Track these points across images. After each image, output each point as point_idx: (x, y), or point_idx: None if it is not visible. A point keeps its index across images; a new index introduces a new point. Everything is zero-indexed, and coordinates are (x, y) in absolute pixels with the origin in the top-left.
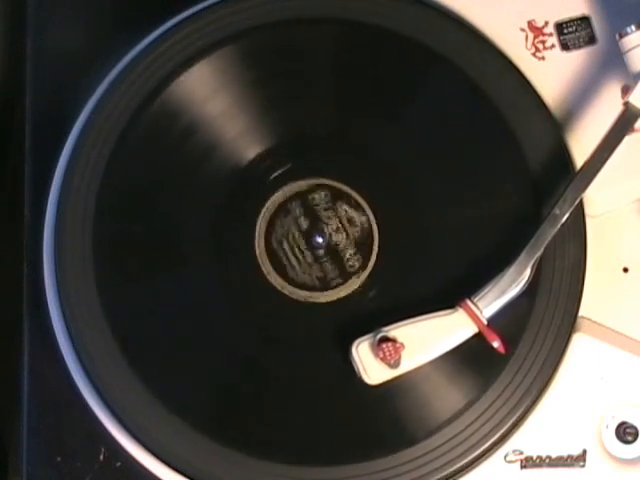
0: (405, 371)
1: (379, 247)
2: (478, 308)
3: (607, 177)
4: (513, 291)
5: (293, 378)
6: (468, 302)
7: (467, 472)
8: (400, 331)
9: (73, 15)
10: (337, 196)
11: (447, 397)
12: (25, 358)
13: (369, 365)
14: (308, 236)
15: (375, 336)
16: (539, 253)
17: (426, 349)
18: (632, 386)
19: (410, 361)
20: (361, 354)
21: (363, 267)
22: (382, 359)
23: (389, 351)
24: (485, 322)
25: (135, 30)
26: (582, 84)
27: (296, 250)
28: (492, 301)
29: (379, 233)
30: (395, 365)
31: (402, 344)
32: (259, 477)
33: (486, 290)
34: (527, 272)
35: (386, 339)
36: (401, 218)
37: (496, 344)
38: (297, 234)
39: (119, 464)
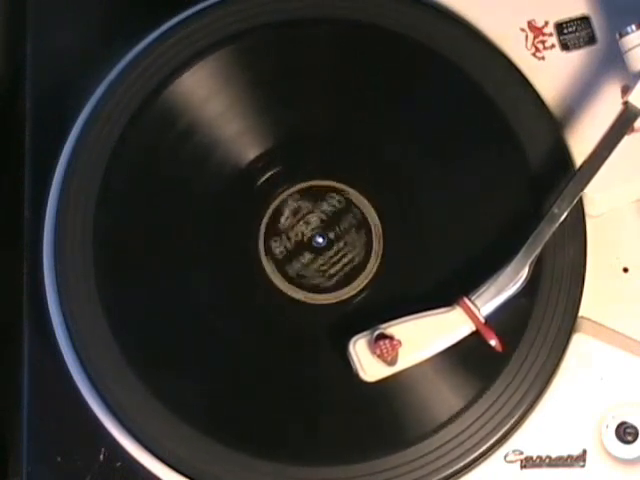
0: (402, 368)
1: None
2: (476, 306)
3: (607, 177)
4: (511, 289)
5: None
6: (466, 300)
7: (467, 472)
8: (397, 328)
9: (73, 15)
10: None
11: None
12: (25, 358)
13: (366, 362)
14: (308, 236)
15: (372, 333)
16: (537, 252)
17: (423, 346)
18: (632, 386)
19: (407, 358)
20: (358, 351)
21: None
22: (379, 356)
23: (386, 348)
24: (482, 320)
25: (135, 30)
26: (582, 84)
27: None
28: (490, 299)
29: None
30: (392, 362)
31: (399, 341)
32: (259, 477)
33: (484, 288)
34: (525, 270)
35: (383, 336)
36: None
37: (493, 342)
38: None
39: (119, 464)
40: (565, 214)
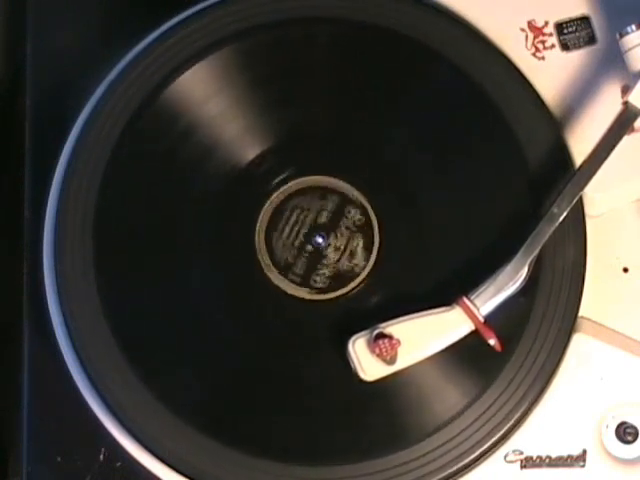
0: (401, 367)
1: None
2: (475, 305)
3: (607, 177)
4: (510, 289)
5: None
6: (465, 299)
7: (467, 472)
8: (397, 327)
9: (73, 15)
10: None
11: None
12: (25, 358)
13: (365, 361)
14: (309, 236)
15: (372, 332)
16: (536, 251)
17: (423, 346)
18: (632, 386)
19: (406, 357)
20: (357, 350)
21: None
22: (378, 355)
23: (385, 347)
24: (482, 319)
25: (135, 31)
26: (582, 84)
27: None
28: (489, 299)
29: (379, 232)
30: (391, 361)
31: (398, 340)
32: (259, 477)
33: (483, 288)
34: (524, 270)
35: (382, 335)
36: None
37: (492, 342)
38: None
39: (119, 464)
40: (565, 214)
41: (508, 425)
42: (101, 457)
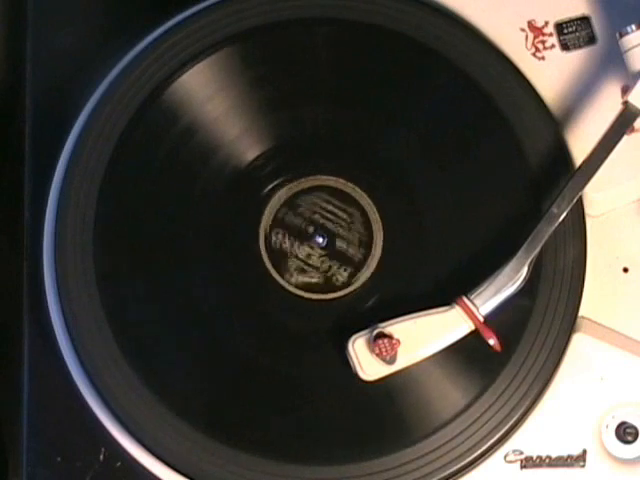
0: (401, 367)
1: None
2: (475, 305)
3: (607, 177)
4: (510, 289)
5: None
6: (464, 299)
7: (467, 472)
8: (396, 327)
9: (73, 15)
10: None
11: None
12: (25, 358)
13: (365, 361)
14: (309, 236)
15: (371, 332)
16: (536, 251)
17: (422, 345)
18: (632, 386)
19: (406, 357)
20: (357, 350)
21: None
22: (378, 355)
23: (385, 347)
24: (481, 319)
25: (135, 31)
26: (582, 84)
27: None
28: (489, 298)
29: (379, 231)
30: (391, 361)
31: (398, 340)
32: (259, 477)
33: (483, 287)
34: (524, 270)
35: (382, 335)
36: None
37: (492, 342)
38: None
39: (119, 464)
40: (565, 214)
41: (508, 425)
42: (101, 457)
